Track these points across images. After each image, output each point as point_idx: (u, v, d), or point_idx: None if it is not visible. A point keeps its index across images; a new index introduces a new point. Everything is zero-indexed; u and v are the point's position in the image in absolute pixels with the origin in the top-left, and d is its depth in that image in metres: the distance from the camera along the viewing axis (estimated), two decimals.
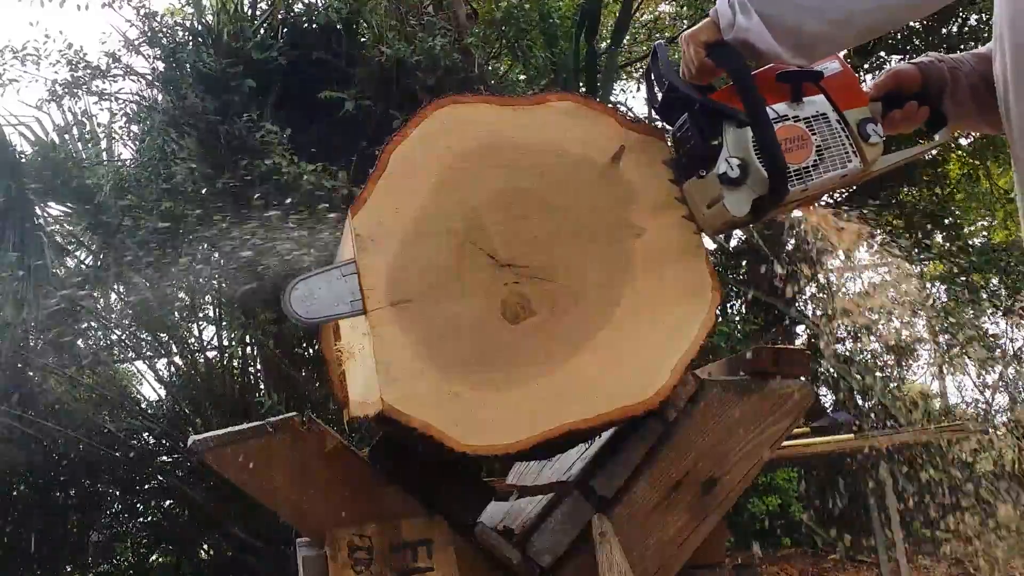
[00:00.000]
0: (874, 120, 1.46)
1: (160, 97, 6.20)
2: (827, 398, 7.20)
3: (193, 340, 6.32)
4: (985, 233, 8.49)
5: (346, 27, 6.05)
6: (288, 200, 4.95)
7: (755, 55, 1.39)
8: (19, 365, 5.60)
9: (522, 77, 6.82)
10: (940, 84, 1.53)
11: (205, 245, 5.97)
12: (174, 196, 5.67)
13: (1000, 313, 7.49)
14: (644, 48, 8.94)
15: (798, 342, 7.00)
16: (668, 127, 1.55)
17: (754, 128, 1.38)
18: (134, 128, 6.60)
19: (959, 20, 6.34)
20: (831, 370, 6.61)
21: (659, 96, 1.50)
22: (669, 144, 1.54)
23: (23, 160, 6.27)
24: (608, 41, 6.87)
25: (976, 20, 6.23)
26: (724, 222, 1.45)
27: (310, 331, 4.63)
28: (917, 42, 6.41)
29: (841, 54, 1.52)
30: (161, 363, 6.31)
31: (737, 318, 6.99)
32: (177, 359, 6.15)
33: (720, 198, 1.41)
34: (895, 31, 5.76)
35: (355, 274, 1.38)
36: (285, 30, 6.15)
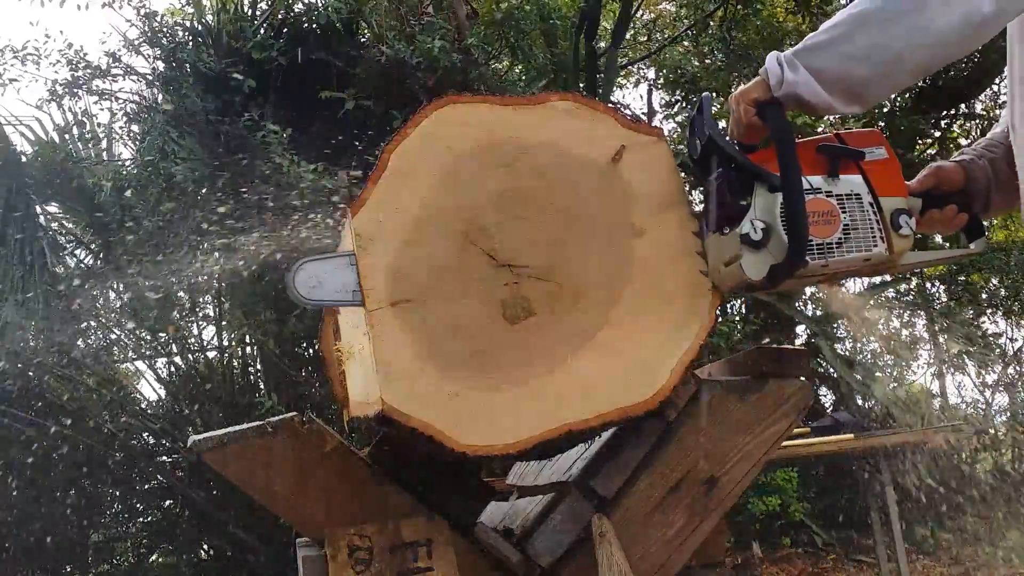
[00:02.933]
0: (909, 213, 1.44)
1: (160, 97, 6.21)
2: (827, 398, 7.21)
3: (193, 340, 6.32)
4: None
5: (346, 27, 6.05)
6: (288, 200, 4.95)
7: (807, 108, 1.39)
8: (19, 365, 5.60)
9: (522, 77, 6.82)
10: (986, 180, 1.53)
11: (206, 245, 5.97)
12: (174, 196, 5.67)
13: (1000, 313, 7.50)
14: (644, 48, 8.95)
15: (798, 342, 7.00)
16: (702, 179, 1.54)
17: (784, 193, 1.37)
18: (134, 128, 6.61)
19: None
20: (831, 370, 6.61)
21: (699, 147, 1.49)
22: (667, 141, 1.55)
23: (23, 160, 6.27)
24: (608, 41, 6.87)
25: None
26: (739, 283, 1.44)
27: (310, 330, 4.63)
28: None
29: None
30: (161, 363, 6.31)
31: (737, 318, 6.99)
32: (177, 359, 6.15)
33: (738, 258, 1.40)
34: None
35: None
36: (285, 30, 6.16)
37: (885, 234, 1.42)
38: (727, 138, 1.46)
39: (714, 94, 7.78)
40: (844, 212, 1.41)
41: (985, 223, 1.56)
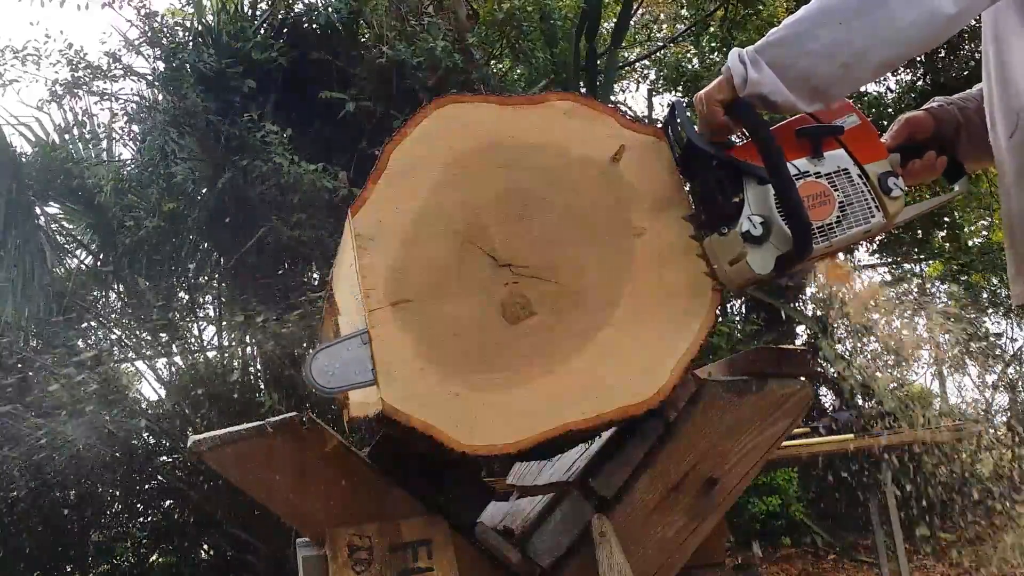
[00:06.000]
0: (895, 173, 1.44)
1: (160, 97, 6.21)
2: (827, 398, 7.21)
3: (193, 340, 6.32)
4: (985, 233, 8.49)
5: (346, 27, 6.05)
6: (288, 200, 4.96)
7: (771, 107, 1.38)
8: (19, 365, 5.60)
9: (523, 77, 6.83)
10: (954, 126, 1.53)
11: (206, 244, 5.98)
12: (174, 196, 5.67)
13: (1000, 313, 7.50)
14: (643, 48, 8.95)
15: (798, 342, 7.00)
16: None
17: (776, 186, 1.37)
18: (134, 128, 6.61)
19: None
20: (831, 370, 6.62)
21: (677, 152, 1.48)
22: (670, 144, 1.54)
23: (23, 160, 6.27)
24: (608, 41, 6.88)
25: None
26: (747, 279, 1.43)
27: (310, 330, 4.64)
28: None
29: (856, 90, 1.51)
30: (161, 363, 6.31)
31: (737, 318, 6.99)
32: (177, 359, 6.16)
33: (743, 255, 1.39)
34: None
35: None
36: (285, 30, 6.16)
37: (879, 201, 1.42)
38: (705, 139, 1.45)
39: None
40: (836, 190, 1.41)
41: (967, 169, 1.56)
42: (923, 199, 1.63)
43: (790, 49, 1.34)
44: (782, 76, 1.34)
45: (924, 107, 1.57)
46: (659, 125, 1.56)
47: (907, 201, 1.46)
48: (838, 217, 1.40)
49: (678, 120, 1.46)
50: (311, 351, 1.38)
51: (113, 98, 6.40)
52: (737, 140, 1.48)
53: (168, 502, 6.10)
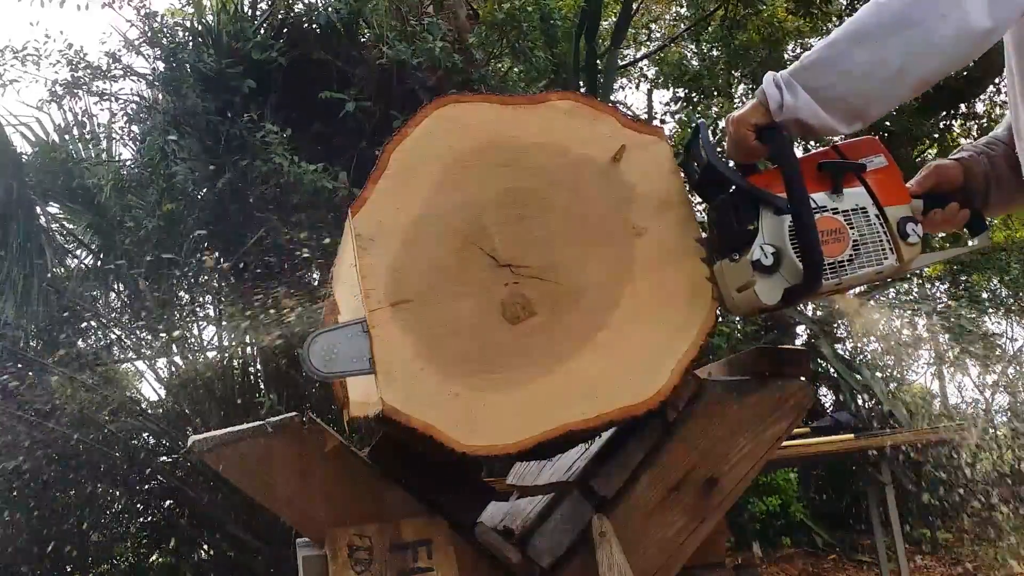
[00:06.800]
0: (914, 219, 1.43)
1: (160, 97, 6.20)
2: (827, 398, 7.21)
3: (193, 340, 6.32)
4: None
5: (346, 27, 6.05)
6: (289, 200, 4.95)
7: (808, 131, 1.37)
8: (19, 365, 5.59)
9: (523, 77, 6.82)
10: (982, 176, 1.52)
11: (206, 245, 5.97)
12: (174, 196, 5.67)
13: (1000, 313, 7.50)
14: (643, 48, 8.94)
15: (798, 342, 7.00)
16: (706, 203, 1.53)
17: (796, 219, 1.36)
18: (134, 128, 6.60)
19: None
20: (831, 370, 6.62)
21: (696, 174, 1.48)
22: (670, 142, 1.54)
23: (24, 160, 6.27)
24: (608, 41, 6.88)
25: None
26: (753, 308, 1.43)
27: (311, 330, 4.63)
28: None
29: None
30: (161, 363, 6.31)
31: (737, 318, 6.99)
32: (177, 359, 6.15)
33: (751, 284, 1.39)
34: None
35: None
36: (285, 30, 6.15)
37: (894, 245, 1.41)
38: (727, 163, 1.45)
39: (714, 93, 7.79)
40: (852, 228, 1.40)
41: (994, 216, 1.56)
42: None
43: (826, 71, 1.33)
44: (818, 99, 1.33)
45: (954, 156, 1.56)
46: (661, 128, 1.56)
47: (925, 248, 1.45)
48: (851, 255, 1.40)
49: (701, 142, 1.45)
50: (311, 333, 1.38)
51: (113, 98, 6.40)
52: (761, 167, 1.47)
53: (168, 502, 6.09)
